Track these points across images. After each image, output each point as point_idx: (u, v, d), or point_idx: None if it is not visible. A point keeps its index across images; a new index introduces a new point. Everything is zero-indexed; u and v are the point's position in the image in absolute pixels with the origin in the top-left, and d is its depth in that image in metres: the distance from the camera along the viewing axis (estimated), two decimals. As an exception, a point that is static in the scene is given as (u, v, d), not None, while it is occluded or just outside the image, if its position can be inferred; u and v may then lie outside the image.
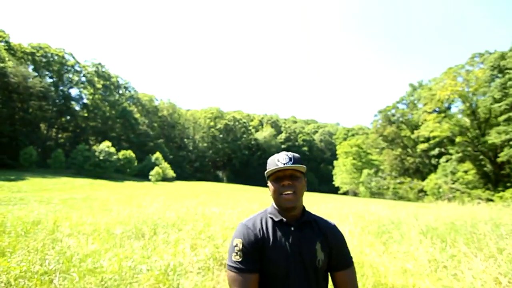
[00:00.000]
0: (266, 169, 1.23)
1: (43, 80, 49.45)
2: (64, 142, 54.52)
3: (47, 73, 53.66)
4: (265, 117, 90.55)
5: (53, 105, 52.46)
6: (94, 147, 44.98)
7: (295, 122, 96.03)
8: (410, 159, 51.60)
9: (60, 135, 56.61)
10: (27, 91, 43.91)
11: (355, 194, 48.63)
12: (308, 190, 57.29)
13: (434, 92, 41.05)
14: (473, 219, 7.97)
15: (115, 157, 45.29)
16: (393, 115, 54.61)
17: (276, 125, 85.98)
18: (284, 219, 1.16)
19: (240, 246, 1.10)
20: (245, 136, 76.59)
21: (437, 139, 41.27)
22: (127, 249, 4.33)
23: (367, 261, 4.29)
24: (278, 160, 1.17)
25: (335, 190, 56.13)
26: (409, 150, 52.51)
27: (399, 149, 53.17)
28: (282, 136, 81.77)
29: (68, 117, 55.75)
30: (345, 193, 51.85)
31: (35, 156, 39.30)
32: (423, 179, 43.61)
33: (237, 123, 77.26)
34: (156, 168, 46.80)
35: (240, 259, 1.07)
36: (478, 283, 3.50)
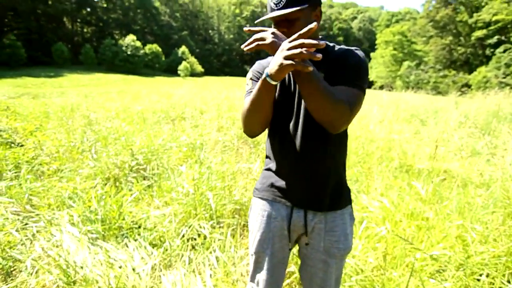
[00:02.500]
0: None
1: (53, -35, 45.40)
2: (90, 37, 54.03)
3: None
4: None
5: (70, -5, 49.71)
6: (120, 42, 44.34)
7: (331, 6, 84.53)
8: (461, 49, 45.63)
9: (85, 30, 55.70)
10: (40, -20, 41.20)
11: (390, 89, 46.22)
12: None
13: (514, -42, 32.36)
14: (522, 109, 7.27)
15: (142, 51, 44.89)
16: (452, -7, 45.58)
17: (308, 12, 76.69)
18: None
19: (251, 75, 1.07)
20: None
21: (499, 24, 35.08)
22: (158, 130, 4.55)
23: (396, 145, 4.19)
24: (271, 0, 0.93)
25: (369, 85, 53.45)
26: (461, 38, 45.85)
27: (450, 37, 46.58)
28: (315, 24, 73.84)
29: (89, 9, 53.43)
30: (380, 88, 49.42)
31: (67, 53, 40.03)
32: (471, 72, 39.51)
33: (265, 9, 69.70)
34: (184, 63, 46.41)
35: (251, 86, 1.05)
36: (514, 168, 3.31)
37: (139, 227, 2.02)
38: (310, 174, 1.01)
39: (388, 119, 5.18)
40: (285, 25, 0.93)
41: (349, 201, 1.08)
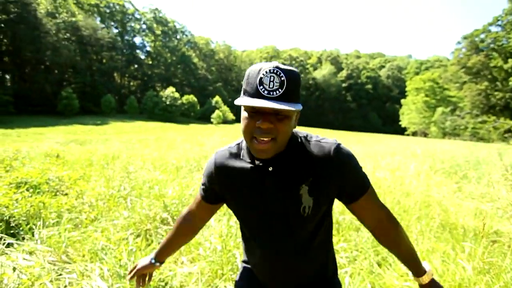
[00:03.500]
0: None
1: (110, 31, 52.92)
2: (135, 90, 59.81)
3: (112, 23, 56.94)
4: (324, 54, 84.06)
5: (122, 55, 56.61)
6: (161, 93, 48.56)
7: (358, 57, 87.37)
8: (499, 94, 43.79)
9: (131, 83, 61.99)
10: (98, 43, 47.75)
11: (425, 135, 44.50)
12: (370, 131, 54.29)
13: (547, 5, 32.11)
14: None
15: (179, 101, 48.52)
16: (482, 41, 45.36)
17: (336, 62, 79.70)
18: (258, 162, 0.84)
19: (203, 178, 1.00)
20: (302, 75, 73.17)
21: (540, 68, 33.61)
22: (188, 179, 4.69)
23: (435, 201, 3.91)
24: (261, 83, 0.71)
25: (401, 131, 52.08)
26: (498, 83, 44.27)
27: (485, 83, 45.19)
28: (343, 73, 76.04)
29: (136, 66, 60.07)
30: (413, 134, 47.79)
31: (113, 103, 44.34)
32: (512, 117, 37.28)
33: (293, 61, 73.67)
34: (217, 112, 49.16)
35: (201, 185, 1.02)
36: None
37: (166, 284, 2.00)
38: (291, 276, 0.92)
39: (425, 171, 4.93)
40: (273, 120, 0.74)
41: None
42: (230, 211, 3.21)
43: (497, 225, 3.43)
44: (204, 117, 52.59)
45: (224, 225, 2.70)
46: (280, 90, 0.71)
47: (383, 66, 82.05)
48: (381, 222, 0.89)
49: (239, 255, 2.08)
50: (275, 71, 0.71)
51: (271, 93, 0.71)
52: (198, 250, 2.31)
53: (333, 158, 0.82)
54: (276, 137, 0.76)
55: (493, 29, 43.97)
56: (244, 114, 0.78)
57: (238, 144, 0.94)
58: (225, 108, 54.52)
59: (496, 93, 43.99)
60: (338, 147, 0.84)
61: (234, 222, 2.75)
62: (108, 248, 2.26)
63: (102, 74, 50.63)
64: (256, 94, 0.72)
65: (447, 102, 44.96)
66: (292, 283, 0.93)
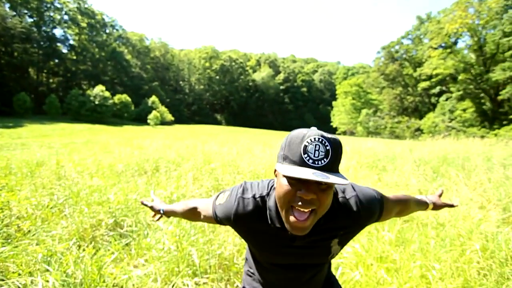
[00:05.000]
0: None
1: (23, 20, 46.00)
2: (56, 87, 53.05)
3: (25, 11, 49.51)
4: (263, 57, 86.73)
5: (39, 47, 49.67)
6: (88, 92, 44.09)
7: (294, 61, 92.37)
8: (410, 98, 51.19)
9: (51, 80, 54.83)
10: (8, 33, 41.14)
11: (352, 134, 49.49)
12: (306, 131, 57.85)
13: (442, 25, 38.65)
14: (466, 152, 8.21)
15: (110, 101, 44.67)
16: (397, 52, 52.39)
17: (274, 65, 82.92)
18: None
19: (221, 212, 0.92)
20: (242, 77, 74.41)
21: (439, 77, 40.41)
22: (131, 184, 4.51)
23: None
24: (305, 151, 0.69)
25: (333, 131, 56.88)
26: (409, 89, 51.73)
27: (400, 88, 52.36)
28: (281, 76, 79.51)
29: (57, 61, 53.32)
30: (343, 134, 52.68)
31: (29, 103, 38.65)
32: (421, 118, 44.03)
33: (233, 63, 74.31)
34: (154, 112, 46.71)
35: (216, 215, 0.95)
36: (464, 208, 3.73)
37: (120, 288, 1.98)
38: None
39: (353, 166, 5.65)
40: (316, 190, 0.70)
41: None
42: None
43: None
44: (139, 118, 49.46)
45: (176, 227, 2.73)
46: (325, 159, 0.69)
47: (316, 71, 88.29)
48: (399, 213, 1.08)
49: (195, 251, 2.16)
50: (320, 139, 0.70)
51: (316, 162, 0.68)
52: (151, 252, 2.32)
53: (361, 216, 0.87)
54: (317, 208, 0.72)
55: (405, 42, 51.09)
56: (282, 180, 0.73)
57: (264, 198, 0.87)
58: (162, 108, 52.14)
59: (408, 97, 51.22)
60: (361, 205, 0.88)
61: (186, 223, 2.80)
62: (53, 258, 2.13)
63: (13, 69, 43.70)
64: (300, 162, 0.69)
65: (370, 105, 50.74)
66: None
